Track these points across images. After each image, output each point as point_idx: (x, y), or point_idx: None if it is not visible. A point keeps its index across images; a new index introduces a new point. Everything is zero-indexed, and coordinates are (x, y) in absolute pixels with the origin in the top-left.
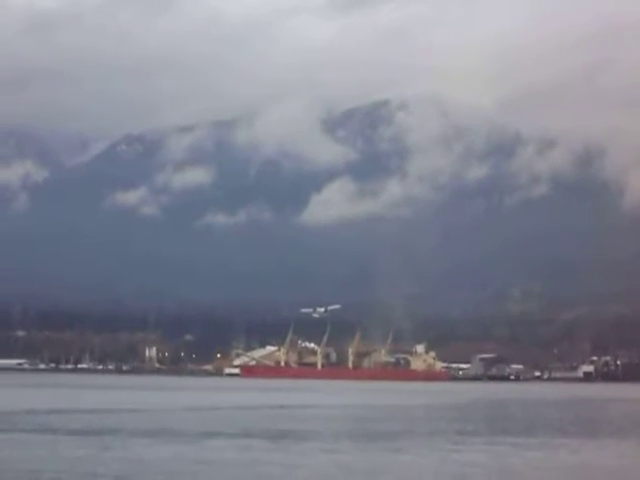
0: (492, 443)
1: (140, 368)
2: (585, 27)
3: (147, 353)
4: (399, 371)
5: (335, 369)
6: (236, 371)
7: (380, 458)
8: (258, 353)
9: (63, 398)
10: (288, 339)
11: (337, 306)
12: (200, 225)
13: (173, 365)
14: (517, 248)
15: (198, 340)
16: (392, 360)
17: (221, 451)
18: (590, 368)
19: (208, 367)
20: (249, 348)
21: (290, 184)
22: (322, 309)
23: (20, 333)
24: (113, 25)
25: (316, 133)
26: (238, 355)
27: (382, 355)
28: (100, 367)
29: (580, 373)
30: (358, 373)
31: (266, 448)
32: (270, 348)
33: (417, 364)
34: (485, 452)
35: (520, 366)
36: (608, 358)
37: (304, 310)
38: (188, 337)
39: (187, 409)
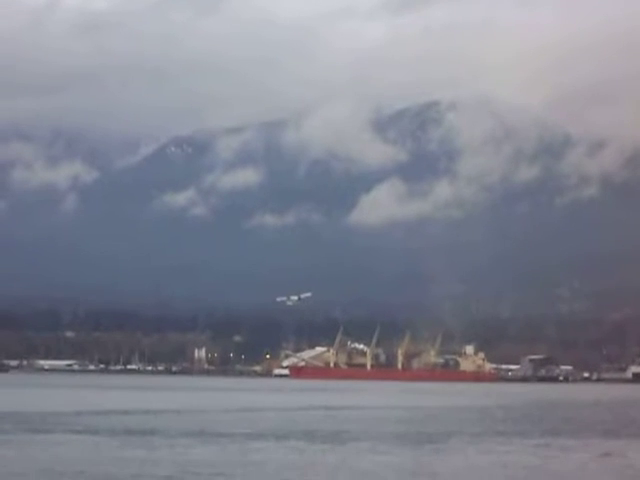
0: (541, 445)
1: (189, 369)
2: (637, 32)
3: (196, 354)
4: (448, 372)
5: (384, 370)
6: (285, 372)
7: (429, 459)
8: (307, 354)
9: (112, 399)
10: (337, 340)
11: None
12: (249, 226)
13: (222, 366)
14: (566, 248)
15: (247, 341)
16: (441, 361)
17: (269, 452)
18: (639, 369)
19: (257, 368)
20: (298, 349)
21: (339, 185)
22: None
23: (69, 334)
24: (163, 27)
25: (365, 134)
26: (287, 356)
27: (431, 356)
28: (150, 368)
29: (629, 374)
30: (407, 374)
31: (314, 449)
32: (319, 349)
33: (466, 365)
34: (534, 454)
35: (569, 367)
36: None
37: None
38: (237, 338)
39: (236, 410)
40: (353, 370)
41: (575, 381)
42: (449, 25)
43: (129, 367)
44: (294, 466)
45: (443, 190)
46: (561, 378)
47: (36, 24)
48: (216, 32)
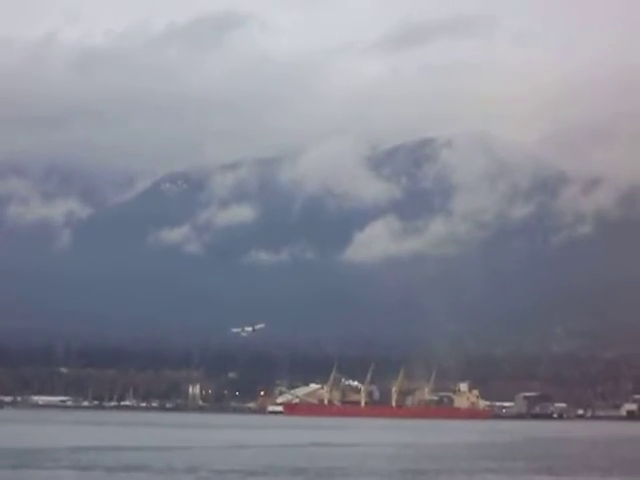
0: None
1: (183, 406)
2: (632, 70)
3: (190, 391)
4: (442, 409)
5: (378, 407)
6: (279, 409)
7: None
8: (301, 391)
9: (106, 435)
10: (332, 377)
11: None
12: (244, 263)
13: (216, 403)
14: (560, 286)
15: (241, 378)
16: (435, 398)
17: None
18: (633, 407)
19: (251, 405)
20: (292, 386)
21: (334, 222)
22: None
23: (63, 370)
24: (160, 63)
25: (361, 170)
26: (281, 393)
27: (425, 393)
28: (144, 404)
29: (623, 412)
30: (401, 411)
31: None
32: (313, 386)
33: (460, 402)
34: None
35: (563, 404)
36: None
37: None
38: (231, 375)
39: (230, 447)
40: (347, 407)
41: (569, 418)
42: (446, 63)
43: (123, 403)
44: None
45: (438, 227)
46: (555, 415)
47: (34, 59)
48: (213, 68)
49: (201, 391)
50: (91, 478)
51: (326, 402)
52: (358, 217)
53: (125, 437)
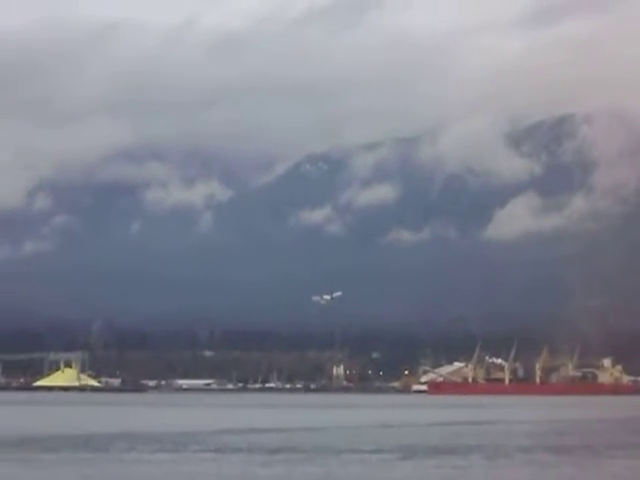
0: None
1: (328, 386)
2: None
3: (334, 371)
4: (586, 385)
5: (523, 384)
6: (423, 388)
7: (571, 471)
8: (445, 369)
9: (251, 418)
10: (475, 355)
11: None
12: (385, 242)
13: (360, 383)
14: None
15: (385, 357)
16: (579, 374)
17: (414, 469)
18: None
19: (395, 384)
20: (436, 364)
21: (474, 199)
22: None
23: (208, 353)
24: (299, 45)
25: (500, 148)
26: (425, 372)
27: (569, 369)
28: (288, 386)
29: None
30: (545, 388)
31: (455, 465)
32: (457, 364)
33: (604, 378)
34: None
35: None
36: None
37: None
38: (375, 355)
39: (375, 426)
40: (491, 385)
41: None
42: (584, 38)
43: (267, 385)
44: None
45: (579, 203)
46: None
47: (172, 44)
48: (351, 50)
49: (345, 371)
50: (232, 460)
51: (470, 380)
52: (498, 194)
53: (269, 419)
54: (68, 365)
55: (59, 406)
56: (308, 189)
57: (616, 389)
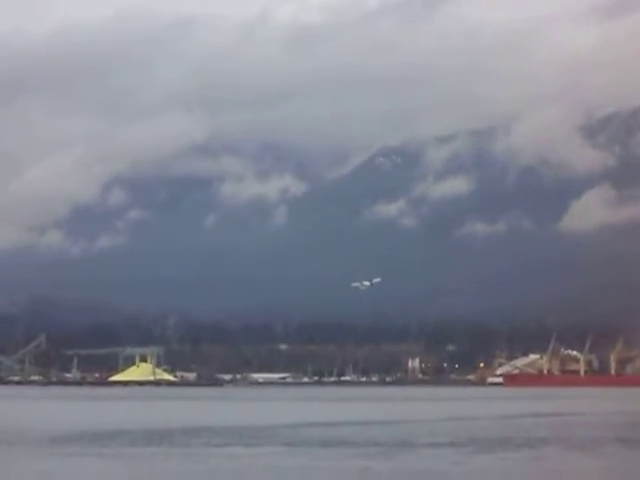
0: None
1: (403, 379)
2: None
3: (410, 364)
4: None
5: (598, 376)
6: (499, 380)
7: None
8: (521, 362)
9: (326, 411)
10: (550, 347)
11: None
12: (459, 235)
13: (436, 375)
14: None
15: (460, 350)
16: None
17: (486, 460)
18: None
19: (471, 377)
20: (512, 357)
21: (549, 191)
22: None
23: (283, 347)
24: (372, 37)
25: (575, 139)
26: (501, 364)
27: None
28: (363, 379)
29: None
30: (621, 380)
31: (530, 456)
32: (533, 356)
33: None
34: None
35: None
36: None
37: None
38: (450, 347)
39: (451, 419)
40: (567, 377)
41: None
42: None
43: (343, 379)
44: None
45: None
46: None
47: (247, 38)
48: (426, 41)
49: (420, 364)
50: (299, 453)
51: (545, 372)
52: (573, 186)
53: (345, 412)
54: (143, 360)
55: (136, 401)
56: (382, 182)
57: None
